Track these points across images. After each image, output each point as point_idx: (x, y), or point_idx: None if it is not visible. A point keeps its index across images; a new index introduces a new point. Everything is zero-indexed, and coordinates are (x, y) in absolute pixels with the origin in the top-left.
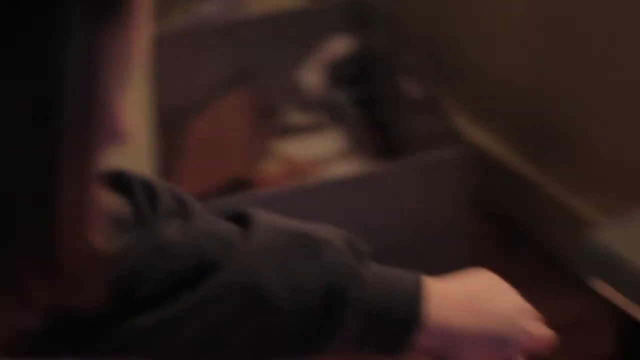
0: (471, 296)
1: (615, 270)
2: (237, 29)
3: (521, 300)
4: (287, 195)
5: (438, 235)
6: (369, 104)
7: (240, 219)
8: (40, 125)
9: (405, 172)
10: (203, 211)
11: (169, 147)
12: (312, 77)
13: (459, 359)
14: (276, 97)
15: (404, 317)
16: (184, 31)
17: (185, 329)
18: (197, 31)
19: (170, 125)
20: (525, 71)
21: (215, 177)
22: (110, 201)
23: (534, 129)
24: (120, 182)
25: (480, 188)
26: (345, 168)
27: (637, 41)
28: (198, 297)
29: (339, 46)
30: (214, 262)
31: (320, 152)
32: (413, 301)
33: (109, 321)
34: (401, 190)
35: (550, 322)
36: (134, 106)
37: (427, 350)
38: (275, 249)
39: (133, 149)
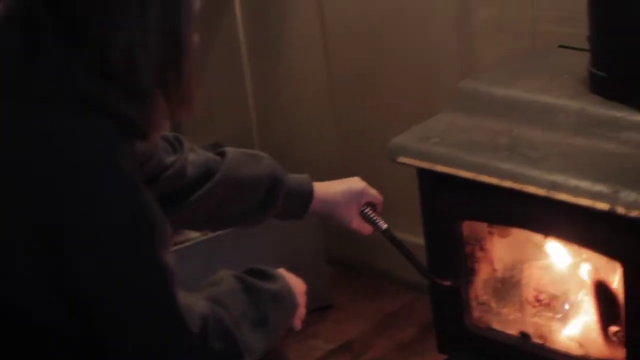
0: (335, 183)
1: None
2: None
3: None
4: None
5: None
6: None
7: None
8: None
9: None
10: (199, 148)
11: None
12: None
13: (335, 212)
14: None
15: (306, 192)
16: None
17: (208, 201)
18: None
19: None
20: None
21: None
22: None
23: None
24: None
25: None
26: None
27: None
28: (210, 185)
29: None
30: (214, 168)
31: None
32: (308, 185)
33: (175, 197)
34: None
35: None
36: None
37: (317, 213)
38: (240, 159)
39: None
